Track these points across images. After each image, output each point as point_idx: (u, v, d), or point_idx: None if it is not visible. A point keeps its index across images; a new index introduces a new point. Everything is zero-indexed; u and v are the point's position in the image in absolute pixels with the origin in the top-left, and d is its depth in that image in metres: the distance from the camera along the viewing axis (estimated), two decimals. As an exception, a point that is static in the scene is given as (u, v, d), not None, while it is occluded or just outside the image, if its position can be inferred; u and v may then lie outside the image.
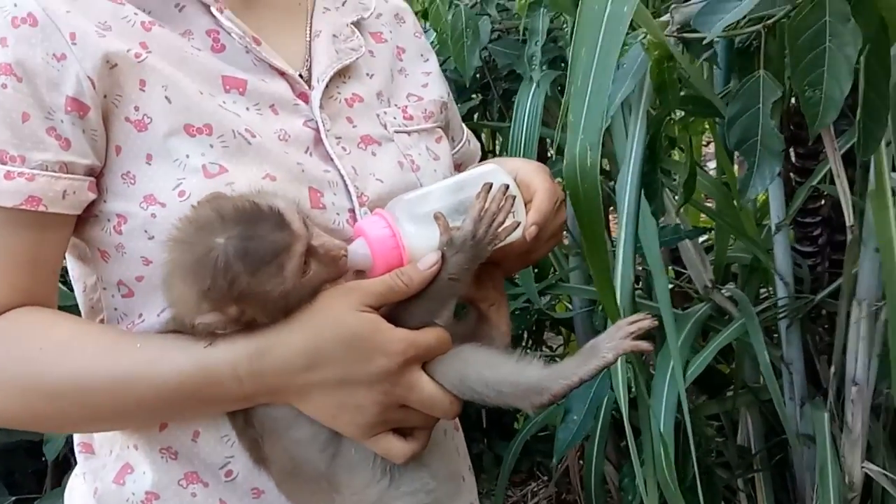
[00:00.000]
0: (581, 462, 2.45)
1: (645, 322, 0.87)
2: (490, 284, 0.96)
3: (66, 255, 0.92)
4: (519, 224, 0.90)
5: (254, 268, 0.77)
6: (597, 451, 2.04)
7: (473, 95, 2.02)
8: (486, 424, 2.89)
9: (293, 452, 0.85)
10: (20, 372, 0.83)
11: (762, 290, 2.15)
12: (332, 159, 0.93)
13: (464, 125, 1.23)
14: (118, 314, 0.90)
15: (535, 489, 3.15)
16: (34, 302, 0.86)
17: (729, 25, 1.25)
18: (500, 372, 0.85)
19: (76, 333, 0.86)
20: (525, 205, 0.93)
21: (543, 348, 3.04)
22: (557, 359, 2.54)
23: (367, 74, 1.02)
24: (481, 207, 0.86)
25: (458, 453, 1.06)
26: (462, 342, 0.89)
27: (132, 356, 0.83)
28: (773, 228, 1.77)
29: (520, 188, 0.94)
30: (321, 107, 0.95)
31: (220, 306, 0.79)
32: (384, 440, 0.84)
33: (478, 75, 2.04)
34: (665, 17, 1.36)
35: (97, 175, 0.87)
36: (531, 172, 0.98)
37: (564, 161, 0.94)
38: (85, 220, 0.87)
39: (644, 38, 1.24)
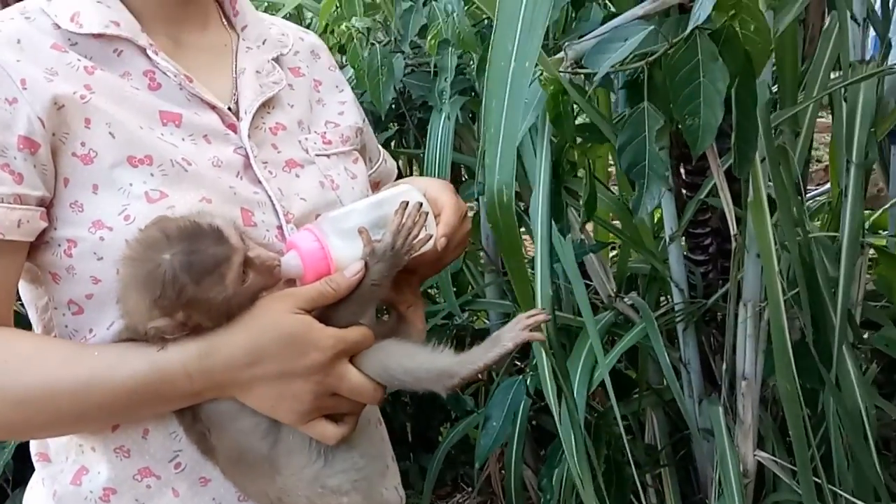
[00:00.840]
0: (502, 470, 2.58)
1: (540, 316, 1.00)
2: (407, 289, 1.08)
3: (21, 279, 1.00)
4: (431, 237, 1.02)
5: (198, 278, 0.87)
6: (515, 455, 2.16)
7: (391, 125, 2.13)
8: (411, 439, 2.99)
9: (238, 441, 0.95)
10: None
11: (661, 298, 2.31)
12: (260, 182, 1.03)
13: (380, 147, 1.36)
14: (69, 331, 0.98)
15: (461, 500, 3.26)
16: None
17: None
18: (416, 360, 0.97)
19: (37, 346, 0.95)
20: (434, 218, 1.06)
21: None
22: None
23: (289, 105, 1.13)
24: (399, 222, 0.98)
25: (383, 441, 1.17)
26: (384, 339, 1.01)
27: (91, 363, 0.92)
28: (667, 240, 1.93)
29: (430, 204, 1.06)
30: (249, 136, 1.05)
31: (169, 313, 0.88)
32: (318, 425, 0.95)
33: (394, 106, 2.16)
34: (560, 55, 1.50)
35: (47, 205, 0.95)
36: (438, 190, 1.10)
37: (486, 198, 1.07)
38: (37, 246, 0.96)
39: (541, 74, 1.38)
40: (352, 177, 1.14)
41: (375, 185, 1.28)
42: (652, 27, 1.35)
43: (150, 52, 1.02)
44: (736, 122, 1.34)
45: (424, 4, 1.74)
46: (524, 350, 2.27)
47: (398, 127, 2.10)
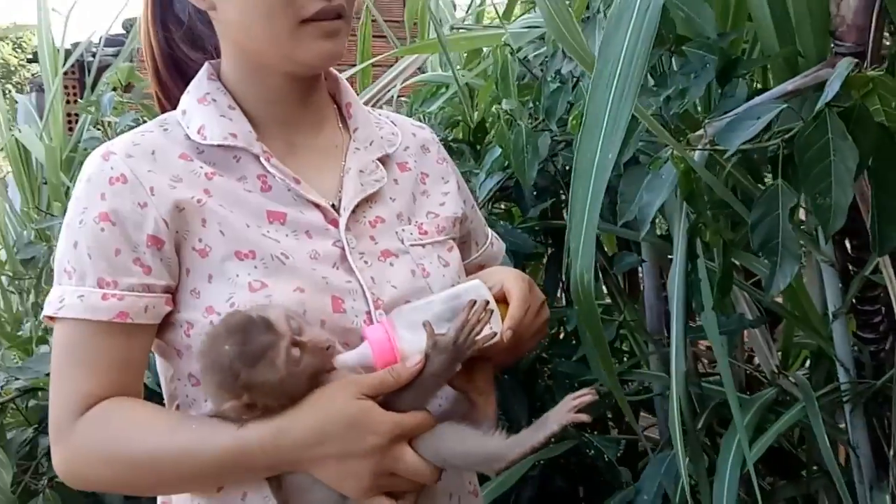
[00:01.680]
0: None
1: (586, 397, 1.05)
2: (481, 377, 1.14)
3: (154, 353, 1.17)
4: (496, 334, 1.09)
5: (250, 364, 0.99)
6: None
7: (548, 197, 2.19)
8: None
9: None
10: (107, 447, 1.07)
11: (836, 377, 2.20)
12: (354, 272, 1.15)
13: (488, 230, 1.45)
14: (189, 400, 1.14)
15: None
16: (123, 393, 1.10)
17: (753, 138, 1.41)
18: (466, 444, 1.04)
19: (149, 417, 1.09)
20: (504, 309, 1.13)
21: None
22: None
23: (391, 199, 1.25)
24: (463, 319, 1.05)
25: None
26: (455, 421, 1.08)
27: (189, 435, 1.06)
28: (831, 317, 1.86)
29: (505, 295, 1.14)
30: (348, 229, 1.17)
31: (234, 396, 1.01)
32: (378, 501, 1.03)
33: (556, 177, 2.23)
34: (699, 132, 1.52)
35: (173, 292, 1.11)
36: (511, 281, 1.17)
37: (571, 281, 1.12)
38: (165, 326, 1.12)
39: (673, 153, 1.40)
40: (444, 265, 1.23)
41: (480, 268, 1.38)
42: (785, 105, 1.35)
43: (262, 159, 1.16)
44: (875, 200, 1.31)
45: (574, 87, 1.80)
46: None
47: (553, 199, 2.16)
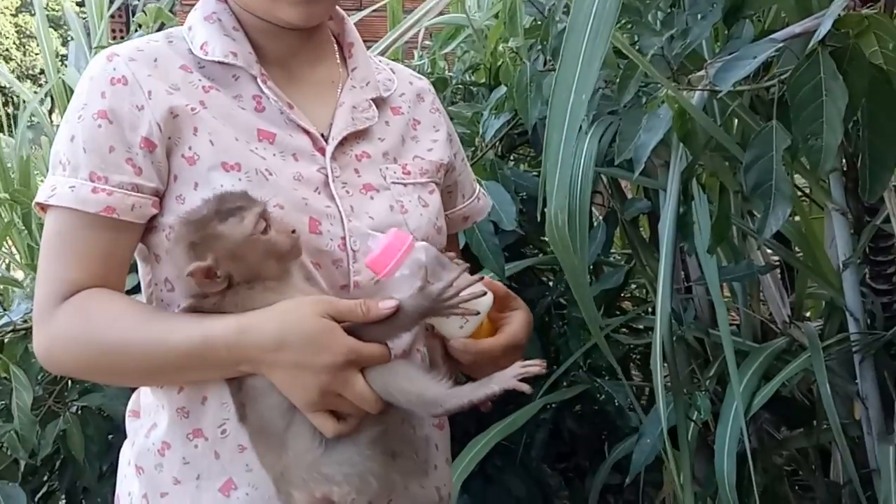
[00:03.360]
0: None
1: (534, 368, 1.07)
2: (446, 360, 1.18)
3: (136, 256, 1.22)
4: (478, 313, 1.12)
5: (222, 217, 1.05)
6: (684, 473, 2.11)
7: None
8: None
9: (263, 415, 1.09)
10: (83, 333, 1.12)
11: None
12: (334, 198, 1.18)
13: (477, 186, 1.47)
14: (164, 305, 1.19)
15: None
16: (105, 286, 1.14)
17: (747, 79, 1.38)
18: (414, 385, 1.07)
19: (125, 308, 1.14)
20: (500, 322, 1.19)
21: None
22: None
23: (379, 138, 1.28)
24: (456, 279, 1.07)
25: (428, 444, 1.28)
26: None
27: (160, 326, 1.10)
28: (841, 266, 1.84)
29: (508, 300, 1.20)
30: (333, 158, 1.21)
31: (200, 255, 1.05)
32: (321, 416, 1.07)
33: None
34: (700, 73, 1.50)
35: (160, 196, 1.15)
36: (520, 316, 1.22)
37: (547, 221, 1.12)
38: (149, 229, 1.16)
39: (667, 93, 1.39)
40: (423, 205, 1.26)
41: (465, 219, 1.43)
42: (780, 45, 1.33)
43: (259, 81, 1.21)
44: (868, 143, 1.28)
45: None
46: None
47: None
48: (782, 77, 1.32)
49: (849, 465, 1.84)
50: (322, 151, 1.21)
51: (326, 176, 1.19)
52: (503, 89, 1.93)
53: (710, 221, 1.61)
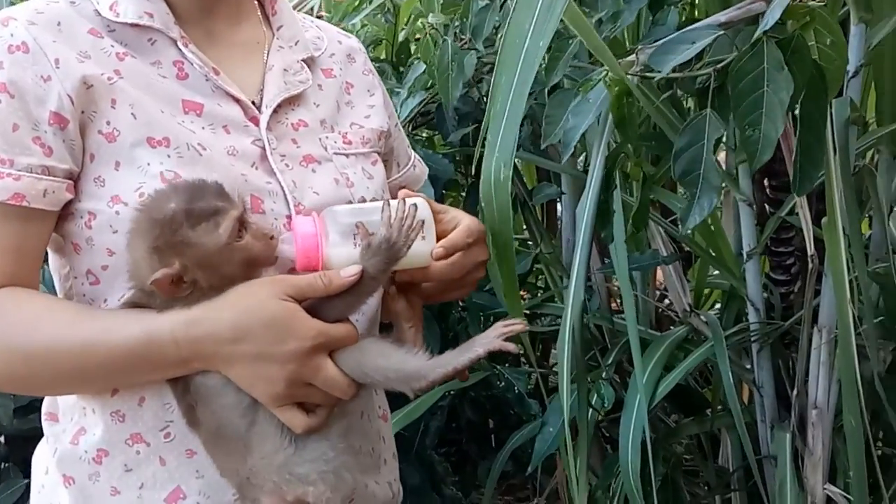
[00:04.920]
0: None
1: (517, 326, 1.01)
2: (410, 305, 1.09)
3: (49, 248, 1.06)
4: (424, 238, 1.03)
5: (194, 222, 0.93)
6: (578, 463, 2.11)
7: (475, 124, 2.12)
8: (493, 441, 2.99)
9: (219, 416, 0.98)
10: (1, 339, 0.97)
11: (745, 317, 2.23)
12: (274, 173, 1.07)
13: (411, 152, 1.37)
14: (87, 300, 1.04)
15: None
16: (18, 284, 1.00)
17: (684, 66, 1.36)
18: (389, 360, 0.99)
19: (49, 307, 1.00)
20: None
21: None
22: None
23: (314, 104, 1.16)
24: (389, 215, 0.99)
25: (378, 436, 1.18)
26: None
27: (93, 325, 0.98)
28: (745, 257, 1.86)
29: (446, 224, 1.08)
30: (269, 128, 1.09)
31: (166, 260, 0.93)
32: (289, 411, 0.97)
33: (480, 103, 2.17)
34: (631, 57, 1.47)
35: (75, 179, 1.01)
36: (463, 215, 1.11)
37: (482, 176, 1.06)
38: (63, 217, 1.02)
39: (607, 75, 1.35)
40: (368, 177, 1.16)
41: (401, 190, 1.30)
42: (722, 32, 1.31)
43: (180, 44, 1.08)
44: (800, 139, 1.28)
45: (501, 6, 1.73)
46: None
47: (476, 125, 2.09)
48: (717, 66, 1.31)
49: (748, 451, 1.87)
50: (255, 121, 1.09)
51: (263, 148, 1.08)
52: (421, 67, 1.85)
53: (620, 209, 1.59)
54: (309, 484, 0.96)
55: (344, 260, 0.99)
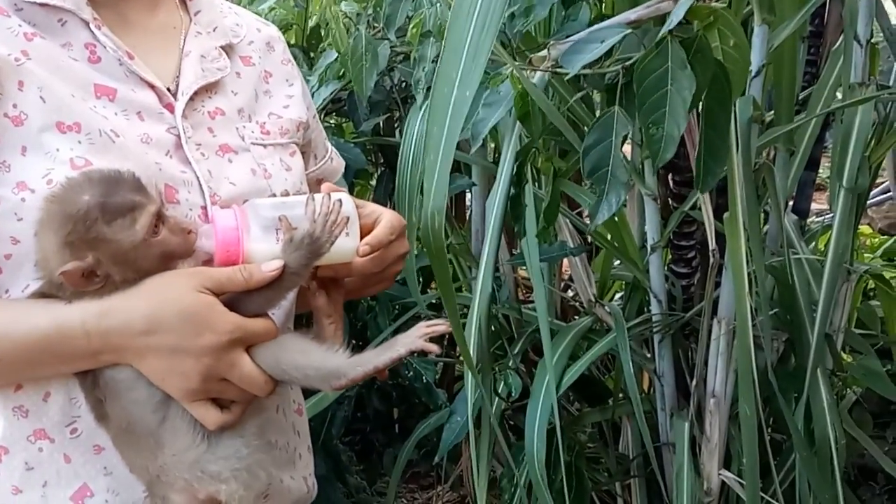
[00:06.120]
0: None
1: (440, 327, 1.00)
2: (331, 299, 1.07)
3: None
4: (348, 234, 1.01)
5: (110, 217, 0.89)
6: (478, 452, 2.14)
7: (392, 111, 2.12)
8: (397, 429, 2.99)
9: (130, 411, 0.95)
10: None
11: (646, 308, 2.28)
12: (190, 163, 1.04)
13: (329, 144, 1.35)
14: None
15: (440, 492, 3.26)
16: None
17: (593, 63, 1.39)
18: (309, 358, 0.97)
19: None
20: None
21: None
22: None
23: (232, 92, 1.14)
24: (314, 210, 0.97)
25: (293, 430, 1.16)
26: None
27: None
28: (648, 250, 1.91)
29: (367, 218, 1.07)
30: (184, 116, 1.06)
31: (78, 254, 0.89)
32: (202, 407, 0.95)
33: (392, 92, 2.16)
34: (542, 53, 1.48)
35: None
36: (382, 209, 1.10)
37: (420, 221, 1.07)
38: None
39: (512, 72, 1.36)
40: (286, 168, 1.14)
41: (318, 182, 1.27)
42: (629, 31, 1.33)
43: (92, 27, 1.03)
44: (704, 136, 1.32)
45: (414, -6, 1.72)
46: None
47: (398, 114, 2.09)
48: (625, 64, 1.34)
49: (647, 439, 1.92)
50: (170, 108, 1.06)
51: (178, 137, 1.04)
52: (332, 55, 1.83)
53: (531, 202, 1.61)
54: (221, 482, 0.94)
55: (265, 254, 0.97)
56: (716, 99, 1.30)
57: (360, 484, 2.67)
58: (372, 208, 1.10)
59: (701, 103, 1.30)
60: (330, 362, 0.97)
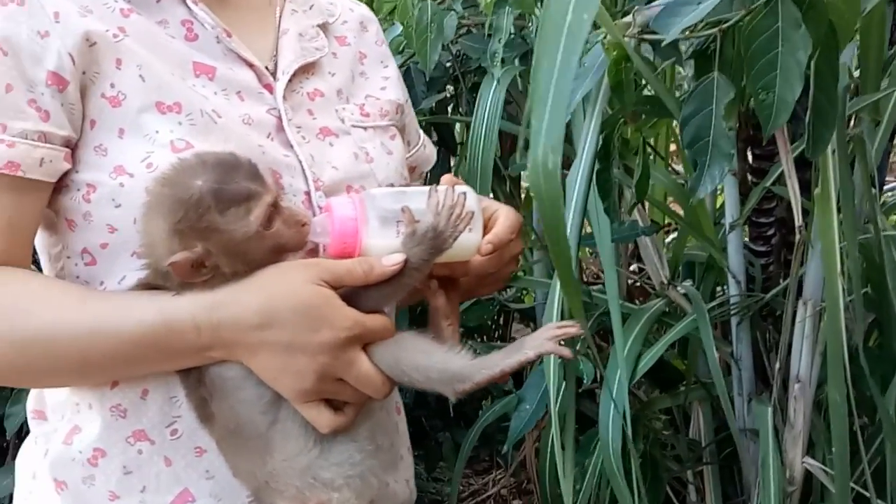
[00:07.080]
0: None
1: (571, 329, 0.94)
2: (448, 299, 1.01)
3: None
4: (472, 230, 0.95)
5: (223, 206, 0.84)
6: (551, 440, 2.07)
7: (447, 88, 2.05)
8: (452, 413, 2.93)
9: (237, 412, 0.90)
10: None
11: (718, 289, 2.20)
12: (291, 146, 0.99)
13: (421, 132, 1.30)
14: (80, 282, 0.94)
15: (497, 478, 3.19)
16: (9, 263, 0.89)
17: (687, 28, 1.30)
18: (431, 359, 0.91)
19: (48, 288, 0.90)
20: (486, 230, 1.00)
21: (510, 339, 3.08)
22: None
23: (330, 73, 1.09)
24: (438, 202, 0.91)
25: (397, 431, 1.10)
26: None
27: (99, 307, 0.88)
28: (727, 228, 1.82)
29: (484, 214, 1.00)
30: (284, 97, 1.01)
31: (188, 243, 0.84)
32: (315, 408, 0.89)
33: (451, 69, 2.09)
34: (627, 19, 1.40)
35: (73, 147, 0.91)
36: (499, 205, 1.05)
37: (529, 165, 0.97)
38: (57, 189, 0.92)
39: (604, 38, 1.28)
40: (388, 152, 1.09)
41: (412, 170, 1.23)
42: (727, -9, 1.24)
43: (189, 3, 0.98)
44: (813, 100, 1.23)
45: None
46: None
47: (454, 91, 2.01)
48: (722, 27, 1.25)
49: (732, 425, 1.84)
50: (269, 89, 1.01)
51: (279, 118, 0.99)
52: (398, 28, 1.76)
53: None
54: (334, 490, 0.89)
55: (383, 248, 0.91)
56: (825, 59, 1.21)
57: (417, 470, 2.61)
58: (487, 203, 1.04)
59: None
60: (453, 364, 0.90)
